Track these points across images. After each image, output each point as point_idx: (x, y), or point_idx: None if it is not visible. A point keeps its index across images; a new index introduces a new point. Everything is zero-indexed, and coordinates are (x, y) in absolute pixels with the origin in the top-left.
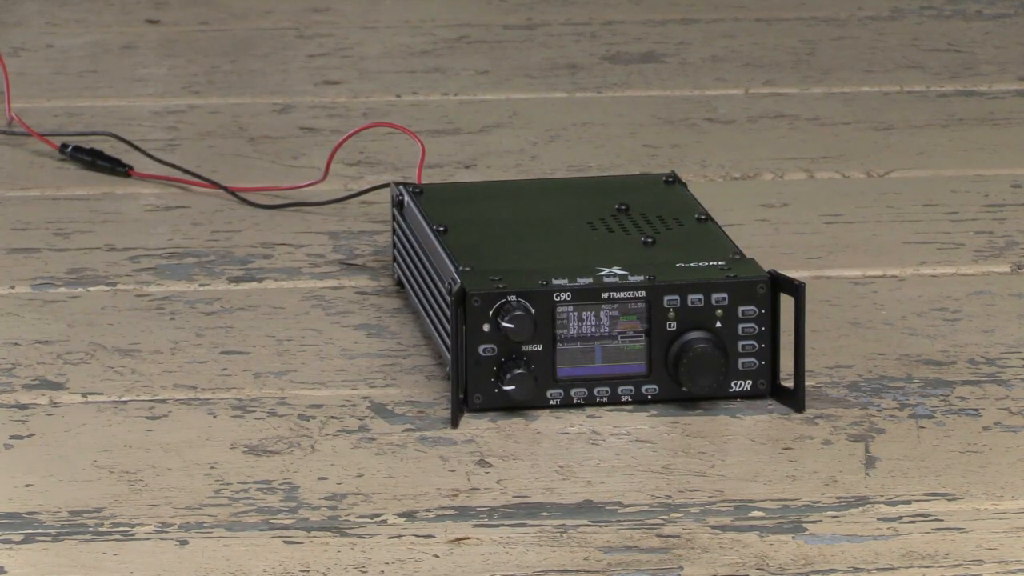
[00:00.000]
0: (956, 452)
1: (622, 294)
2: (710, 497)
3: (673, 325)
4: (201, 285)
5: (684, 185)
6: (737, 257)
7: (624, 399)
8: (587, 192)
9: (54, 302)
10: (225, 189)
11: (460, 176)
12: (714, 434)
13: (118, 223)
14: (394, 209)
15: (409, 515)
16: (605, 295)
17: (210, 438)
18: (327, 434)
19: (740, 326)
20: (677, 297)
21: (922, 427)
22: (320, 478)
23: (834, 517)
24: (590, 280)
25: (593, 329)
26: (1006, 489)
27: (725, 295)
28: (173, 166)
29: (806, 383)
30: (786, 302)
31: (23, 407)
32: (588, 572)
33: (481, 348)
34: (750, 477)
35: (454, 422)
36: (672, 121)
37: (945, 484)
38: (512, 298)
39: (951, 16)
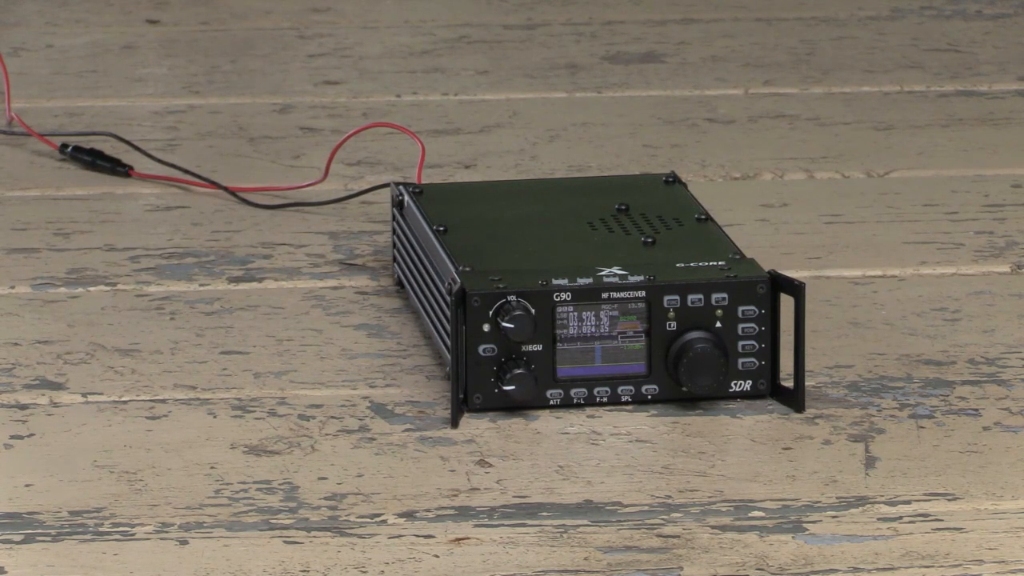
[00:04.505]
0: (956, 452)
1: (622, 294)
2: (710, 497)
3: (673, 325)
4: (201, 285)
5: (684, 185)
6: (737, 257)
7: (624, 399)
8: (587, 192)
9: (54, 302)
10: (225, 189)
11: (460, 176)
12: (714, 434)
13: (118, 223)
14: (394, 209)
15: (409, 515)
16: (605, 295)
17: (210, 438)
18: (327, 434)
19: (740, 326)
20: (677, 297)
21: (922, 427)
22: (320, 478)
23: (834, 517)
24: (590, 280)
25: (593, 329)
26: (1006, 489)
27: (725, 295)
28: (173, 166)
29: (806, 383)
30: (786, 302)
31: (23, 407)
32: (588, 572)
33: (481, 348)
34: (750, 477)
35: (454, 422)
36: (672, 121)
37: (945, 484)
38: (512, 298)
39: (951, 16)
